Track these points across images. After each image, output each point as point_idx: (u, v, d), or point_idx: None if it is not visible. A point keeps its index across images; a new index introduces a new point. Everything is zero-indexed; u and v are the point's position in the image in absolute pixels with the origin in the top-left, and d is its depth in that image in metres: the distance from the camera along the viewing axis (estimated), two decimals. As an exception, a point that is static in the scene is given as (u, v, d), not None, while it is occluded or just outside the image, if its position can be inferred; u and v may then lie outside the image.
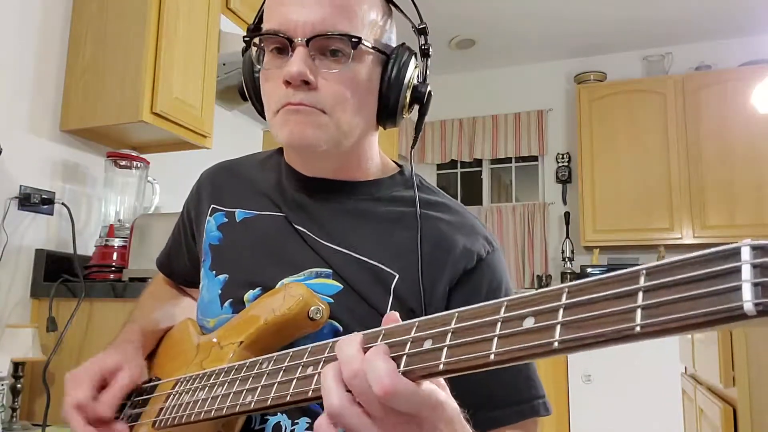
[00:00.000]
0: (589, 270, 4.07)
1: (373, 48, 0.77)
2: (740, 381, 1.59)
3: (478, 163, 4.97)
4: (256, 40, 0.79)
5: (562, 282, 4.27)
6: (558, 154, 4.68)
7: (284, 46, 0.75)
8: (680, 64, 4.38)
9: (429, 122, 4.96)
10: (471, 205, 4.88)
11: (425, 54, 0.84)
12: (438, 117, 4.93)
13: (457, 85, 4.94)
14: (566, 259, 4.34)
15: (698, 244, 4.04)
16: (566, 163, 4.63)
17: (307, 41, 0.73)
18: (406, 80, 0.79)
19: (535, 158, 4.82)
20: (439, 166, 5.07)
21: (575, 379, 3.62)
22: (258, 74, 0.81)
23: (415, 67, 0.81)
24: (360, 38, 0.74)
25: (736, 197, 3.93)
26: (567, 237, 4.43)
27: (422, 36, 0.84)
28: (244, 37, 0.81)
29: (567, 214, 4.49)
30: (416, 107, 0.84)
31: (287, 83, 0.73)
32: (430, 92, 0.83)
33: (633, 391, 3.45)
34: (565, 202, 4.60)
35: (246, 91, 0.85)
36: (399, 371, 0.47)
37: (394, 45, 0.82)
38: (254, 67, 0.82)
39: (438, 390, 0.50)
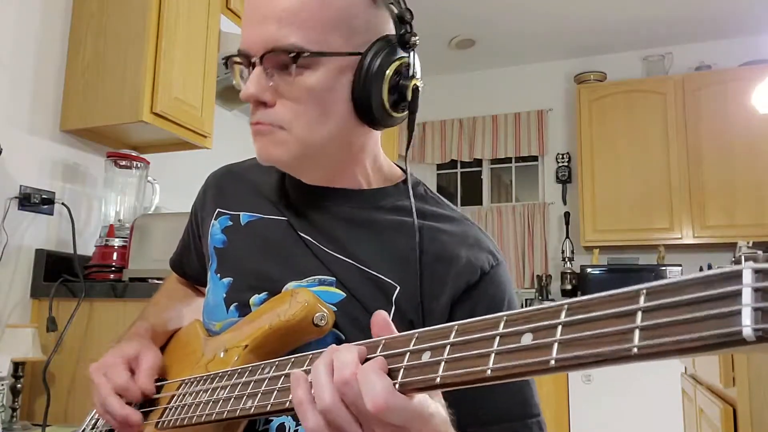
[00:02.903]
0: (589, 270, 4.07)
1: (333, 53, 0.73)
2: (740, 381, 1.59)
3: (478, 163, 4.96)
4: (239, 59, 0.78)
5: (562, 282, 4.29)
6: (558, 154, 4.67)
7: (246, 65, 0.75)
8: (680, 64, 4.38)
9: (429, 122, 4.95)
10: (471, 205, 4.88)
11: (406, 44, 0.76)
12: (438, 117, 4.93)
13: (457, 85, 4.93)
14: (566, 259, 4.34)
15: (698, 244, 4.04)
16: (566, 163, 4.63)
17: (261, 58, 0.73)
18: (379, 77, 0.74)
19: (535, 158, 4.82)
20: (439, 166, 5.07)
21: (575, 379, 3.62)
22: (224, 61, 0.82)
23: (396, 62, 0.75)
24: (298, 52, 0.70)
25: (736, 197, 3.92)
26: (567, 237, 4.43)
27: (403, 25, 0.77)
28: (222, 59, 0.83)
29: (567, 214, 4.49)
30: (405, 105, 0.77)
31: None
32: (416, 87, 0.76)
33: (633, 391, 3.45)
34: (565, 202, 4.60)
35: None
36: (396, 383, 0.47)
37: (375, 35, 0.75)
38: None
39: (429, 400, 0.51)
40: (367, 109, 0.75)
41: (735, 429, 1.62)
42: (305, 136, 0.75)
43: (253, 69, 0.74)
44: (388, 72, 0.74)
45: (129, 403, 0.82)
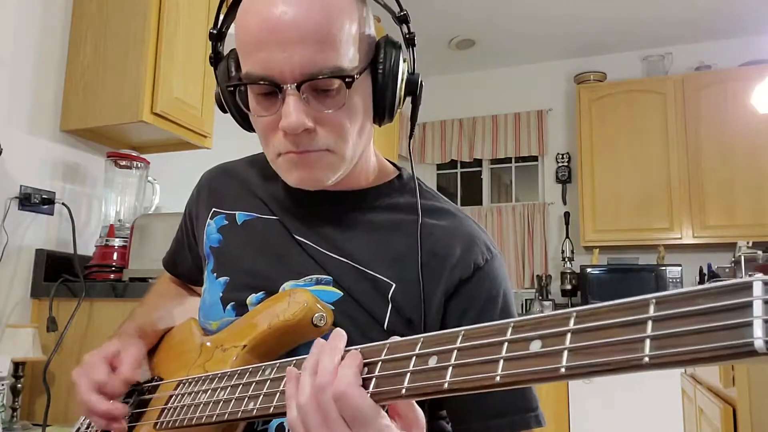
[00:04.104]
0: (589, 270, 4.06)
1: (365, 68, 0.74)
2: (740, 381, 1.59)
3: (478, 163, 4.96)
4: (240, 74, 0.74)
5: (562, 282, 4.28)
6: (558, 154, 4.67)
7: (272, 92, 0.71)
8: (680, 64, 4.38)
9: (429, 122, 4.95)
10: (471, 205, 4.87)
11: (410, 43, 0.79)
12: (438, 117, 4.92)
13: (457, 85, 4.93)
14: (566, 259, 4.33)
15: (698, 244, 4.04)
16: (566, 163, 4.62)
17: (298, 86, 0.68)
18: (399, 80, 0.76)
19: (535, 158, 4.81)
20: (439, 166, 5.06)
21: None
22: (232, 88, 0.77)
23: (404, 61, 0.77)
24: (353, 77, 0.69)
25: (736, 197, 3.92)
26: (567, 237, 4.43)
27: (404, 24, 0.79)
28: (227, 86, 0.76)
29: (567, 214, 4.48)
30: (409, 99, 0.81)
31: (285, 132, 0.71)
32: (421, 82, 0.80)
33: (633, 391, 3.45)
34: (565, 202, 4.60)
35: (225, 106, 0.82)
36: (403, 387, 0.47)
37: (375, 37, 0.78)
38: (228, 78, 0.78)
39: (393, 427, 0.53)
40: (388, 112, 0.78)
41: (735, 429, 1.63)
42: (351, 155, 0.76)
43: (282, 95, 0.69)
44: (402, 74, 0.77)
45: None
